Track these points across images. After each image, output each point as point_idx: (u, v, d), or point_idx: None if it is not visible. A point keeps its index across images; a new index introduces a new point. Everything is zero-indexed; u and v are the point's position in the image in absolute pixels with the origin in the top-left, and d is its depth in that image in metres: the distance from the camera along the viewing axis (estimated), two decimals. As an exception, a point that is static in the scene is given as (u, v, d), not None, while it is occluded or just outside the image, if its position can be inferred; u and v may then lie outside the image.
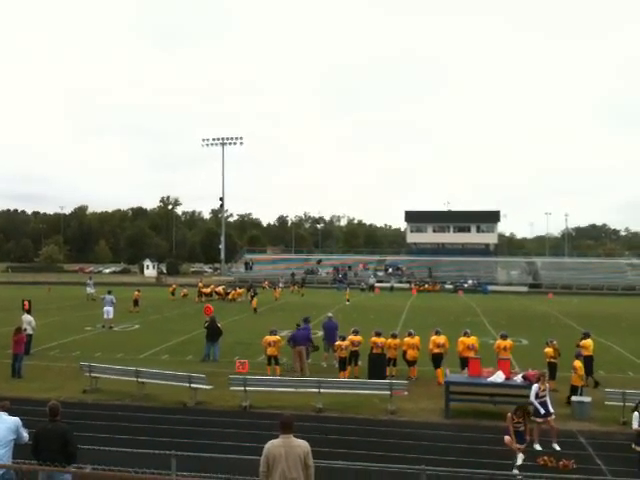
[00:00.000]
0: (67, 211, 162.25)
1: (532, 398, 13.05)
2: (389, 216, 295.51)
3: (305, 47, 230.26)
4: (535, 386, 13.22)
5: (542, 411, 12.95)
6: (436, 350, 19.33)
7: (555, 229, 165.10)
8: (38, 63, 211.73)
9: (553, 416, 13.09)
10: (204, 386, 16.18)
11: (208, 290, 51.81)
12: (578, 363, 16.17)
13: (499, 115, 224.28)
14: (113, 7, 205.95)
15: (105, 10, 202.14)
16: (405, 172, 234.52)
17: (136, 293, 41.28)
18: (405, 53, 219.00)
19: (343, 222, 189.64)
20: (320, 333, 24.30)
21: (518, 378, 15.34)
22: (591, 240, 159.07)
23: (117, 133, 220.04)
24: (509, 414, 11.74)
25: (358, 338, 19.89)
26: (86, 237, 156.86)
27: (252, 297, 43.30)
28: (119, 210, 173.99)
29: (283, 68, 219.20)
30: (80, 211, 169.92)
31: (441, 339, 19.54)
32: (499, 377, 15.33)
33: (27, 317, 23.44)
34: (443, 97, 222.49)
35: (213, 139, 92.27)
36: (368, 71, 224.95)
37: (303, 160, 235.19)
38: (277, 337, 20.07)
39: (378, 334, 19.61)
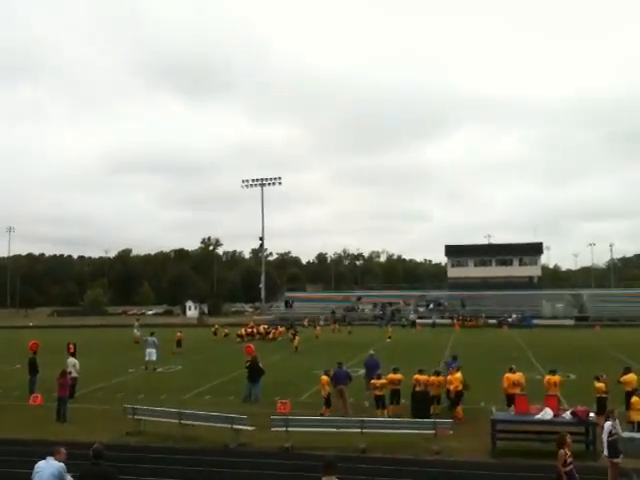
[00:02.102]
0: (111, 254, 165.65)
1: (604, 436, 12.32)
2: (428, 251, 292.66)
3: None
4: (608, 424, 12.42)
5: (617, 450, 12.37)
6: (461, 387, 19.06)
7: (600, 260, 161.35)
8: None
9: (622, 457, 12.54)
10: (246, 427, 16.08)
11: (249, 330, 51.88)
12: (636, 399, 15.61)
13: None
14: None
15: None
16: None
17: (178, 334, 41.59)
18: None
19: (382, 258, 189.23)
20: (362, 371, 24.04)
21: (567, 415, 14.89)
22: (638, 270, 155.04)
23: (153, 172, 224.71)
24: (561, 451, 10.58)
25: (398, 376, 19.56)
26: (129, 280, 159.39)
27: (293, 336, 43.23)
28: (161, 252, 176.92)
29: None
30: (124, 254, 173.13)
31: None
32: (547, 414, 14.90)
33: (72, 360, 23.77)
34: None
35: (252, 180, 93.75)
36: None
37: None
38: (326, 378, 19.68)
39: (421, 371, 19.32)
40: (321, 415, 18.37)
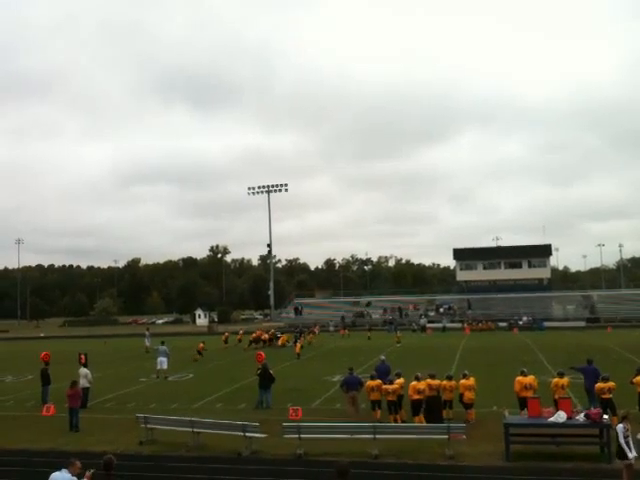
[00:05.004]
0: (120, 264, 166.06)
1: (621, 440, 12.12)
2: (437, 254, 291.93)
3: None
4: (620, 426, 12.28)
5: (631, 454, 12.23)
6: (416, 397, 18.36)
7: (609, 260, 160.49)
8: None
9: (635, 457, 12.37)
10: (258, 435, 16.05)
11: (260, 335, 51.85)
12: None
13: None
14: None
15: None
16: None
17: (201, 345, 42.44)
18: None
19: (391, 263, 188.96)
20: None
21: (580, 417, 14.78)
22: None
23: (161, 183, 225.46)
24: None
25: (400, 381, 19.31)
26: (139, 289, 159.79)
27: (295, 342, 43.26)
28: (170, 261, 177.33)
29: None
30: (133, 264, 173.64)
31: (422, 385, 18.58)
32: (561, 417, 14.78)
33: (83, 370, 23.83)
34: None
35: (259, 187, 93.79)
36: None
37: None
38: (378, 381, 19.40)
39: (432, 376, 19.19)
40: (395, 421, 18.20)
